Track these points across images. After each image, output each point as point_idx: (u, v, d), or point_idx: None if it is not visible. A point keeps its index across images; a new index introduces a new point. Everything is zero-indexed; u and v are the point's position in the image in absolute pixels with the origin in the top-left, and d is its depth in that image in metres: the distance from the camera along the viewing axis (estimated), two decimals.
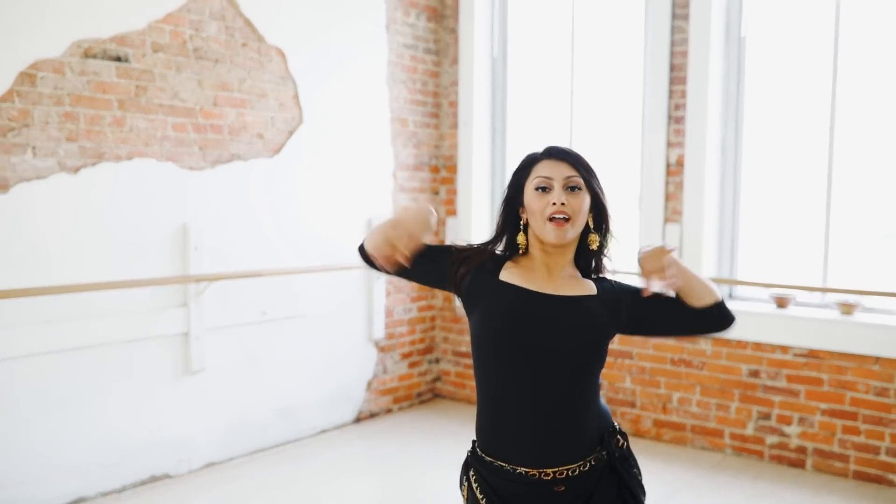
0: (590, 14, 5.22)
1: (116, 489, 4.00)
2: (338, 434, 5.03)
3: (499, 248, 2.01)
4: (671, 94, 4.74)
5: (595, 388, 1.92)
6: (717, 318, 1.92)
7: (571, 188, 1.89)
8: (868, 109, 4.40)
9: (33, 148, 3.60)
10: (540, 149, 1.98)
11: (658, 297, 1.94)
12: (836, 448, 4.33)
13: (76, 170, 3.75)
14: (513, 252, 1.99)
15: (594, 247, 1.95)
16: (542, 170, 1.91)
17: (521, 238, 1.96)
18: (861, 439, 4.26)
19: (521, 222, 1.96)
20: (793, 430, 4.45)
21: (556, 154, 1.92)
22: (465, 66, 5.49)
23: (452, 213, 5.65)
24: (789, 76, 4.65)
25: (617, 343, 4.98)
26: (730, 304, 1.98)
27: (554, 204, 1.87)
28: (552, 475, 1.86)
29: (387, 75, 5.25)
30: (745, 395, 4.59)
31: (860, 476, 4.26)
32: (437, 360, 5.83)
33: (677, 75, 4.72)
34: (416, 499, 4.12)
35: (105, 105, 3.83)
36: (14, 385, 3.61)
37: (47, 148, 3.65)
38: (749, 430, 4.59)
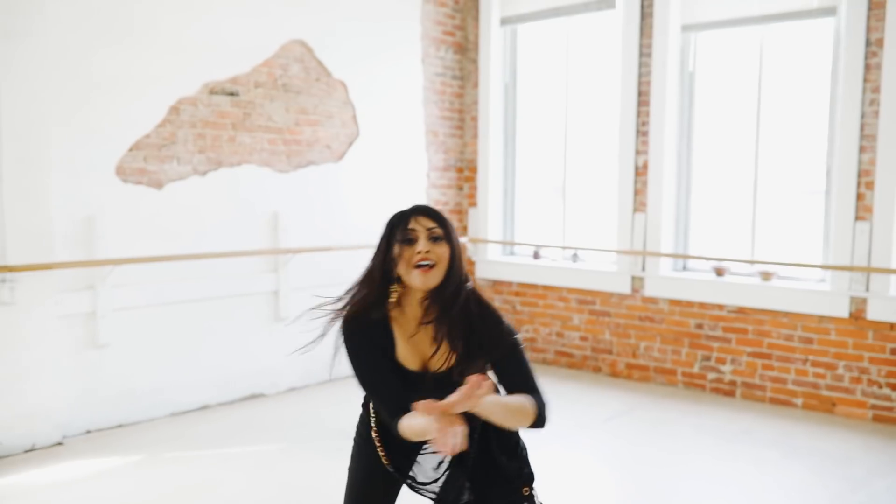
0: (579, 51, 6.69)
1: (228, 402, 5.60)
2: None
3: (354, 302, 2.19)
4: (639, 113, 6.20)
5: None
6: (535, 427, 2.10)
7: (434, 238, 2.12)
8: (782, 124, 5.81)
9: (178, 158, 5.20)
10: (406, 208, 2.18)
11: (510, 366, 2.15)
12: (756, 380, 5.78)
13: (204, 173, 5.34)
14: (382, 303, 2.14)
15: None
16: (409, 225, 2.13)
17: (395, 288, 2.14)
18: (774, 373, 5.70)
19: (394, 275, 2.12)
20: (726, 368, 5.90)
21: (420, 211, 2.15)
22: (483, 90, 7.00)
23: (473, 204, 7.17)
24: (726, 100, 6.07)
25: (599, 304, 6.46)
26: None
27: (419, 252, 2.09)
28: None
29: (422, 97, 6.78)
30: (692, 343, 6.05)
31: (774, 401, 5.70)
32: None
33: (643, 99, 6.17)
34: None
35: (223, 127, 5.42)
36: (162, 323, 5.22)
37: (186, 158, 5.24)
38: (695, 369, 6.05)
